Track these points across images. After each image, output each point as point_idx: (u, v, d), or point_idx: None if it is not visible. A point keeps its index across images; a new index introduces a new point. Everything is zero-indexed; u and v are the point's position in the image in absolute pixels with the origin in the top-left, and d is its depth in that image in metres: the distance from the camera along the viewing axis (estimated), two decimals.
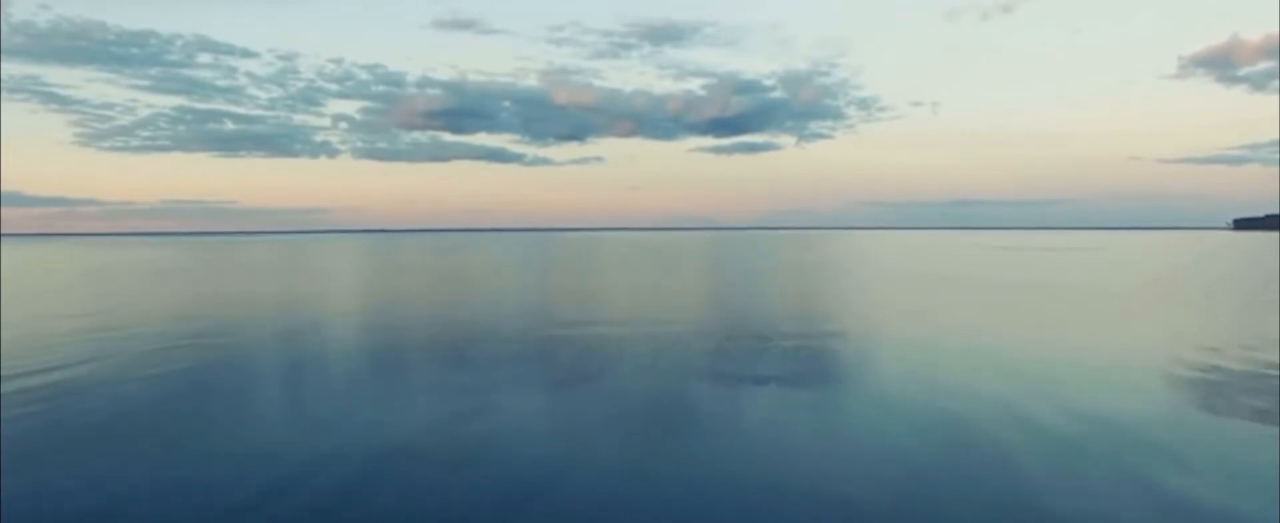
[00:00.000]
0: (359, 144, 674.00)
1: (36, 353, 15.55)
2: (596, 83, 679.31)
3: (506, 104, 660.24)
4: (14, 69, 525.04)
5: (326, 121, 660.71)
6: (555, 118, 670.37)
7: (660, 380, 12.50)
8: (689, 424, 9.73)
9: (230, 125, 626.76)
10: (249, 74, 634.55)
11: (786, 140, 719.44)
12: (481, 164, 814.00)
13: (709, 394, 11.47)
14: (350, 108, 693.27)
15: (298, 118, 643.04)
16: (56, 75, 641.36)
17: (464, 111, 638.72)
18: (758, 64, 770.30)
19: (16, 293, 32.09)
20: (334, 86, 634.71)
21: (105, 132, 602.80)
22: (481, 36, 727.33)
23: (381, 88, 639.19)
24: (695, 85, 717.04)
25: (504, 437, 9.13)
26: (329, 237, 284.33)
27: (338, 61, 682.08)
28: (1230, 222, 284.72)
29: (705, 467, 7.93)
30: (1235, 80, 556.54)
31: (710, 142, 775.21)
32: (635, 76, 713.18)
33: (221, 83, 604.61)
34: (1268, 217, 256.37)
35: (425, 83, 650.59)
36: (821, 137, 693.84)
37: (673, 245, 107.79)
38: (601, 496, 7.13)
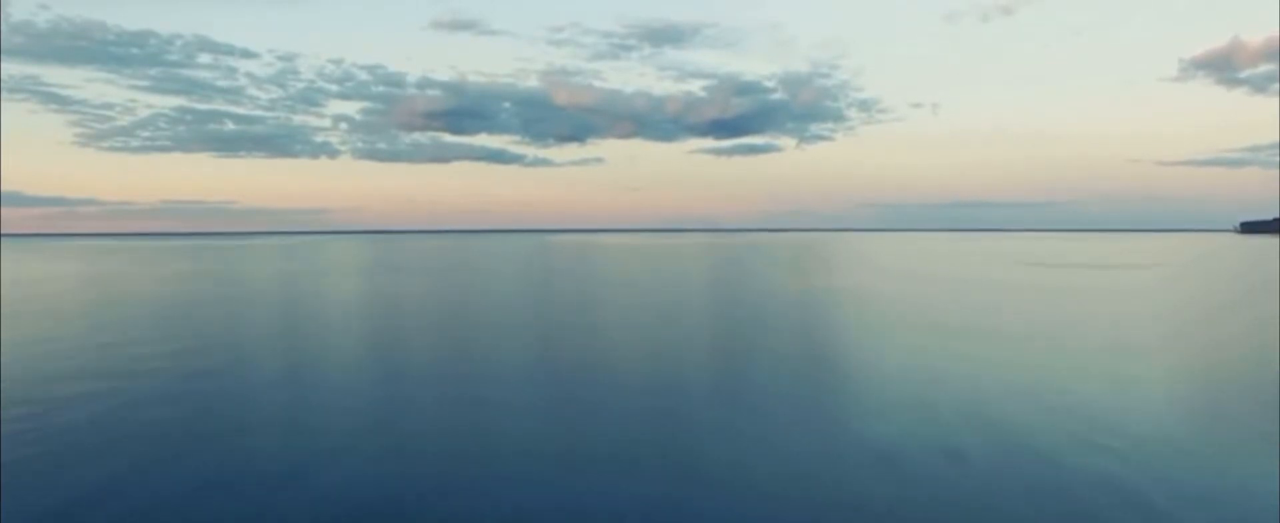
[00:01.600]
0: (359, 145, 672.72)
1: None
2: (596, 84, 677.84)
3: (507, 105, 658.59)
4: (14, 69, 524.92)
5: (327, 122, 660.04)
6: (555, 119, 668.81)
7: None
8: None
9: (230, 126, 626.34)
10: (249, 74, 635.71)
11: (787, 142, 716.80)
12: (482, 165, 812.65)
13: None
14: (350, 108, 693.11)
15: (298, 118, 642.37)
16: (56, 75, 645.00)
17: (464, 112, 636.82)
18: (758, 66, 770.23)
19: None
20: (334, 87, 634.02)
21: (105, 132, 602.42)
22: (481, 37, 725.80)
23: (381, 88, 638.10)
24: (695, 87, 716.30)
25: None
26: (329, 237, 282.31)
27: (338, 62, 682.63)
28: (1237, 225, 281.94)
29: None
30: (1236, 83, 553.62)
31: (710, 143, 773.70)
32: (635, 78, 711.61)
33: (221, 83, 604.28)
34: (1274, 220, 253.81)
35: (425, 83, 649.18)
36: (822, 138, 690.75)
37: (671, 255, 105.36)
38: None
